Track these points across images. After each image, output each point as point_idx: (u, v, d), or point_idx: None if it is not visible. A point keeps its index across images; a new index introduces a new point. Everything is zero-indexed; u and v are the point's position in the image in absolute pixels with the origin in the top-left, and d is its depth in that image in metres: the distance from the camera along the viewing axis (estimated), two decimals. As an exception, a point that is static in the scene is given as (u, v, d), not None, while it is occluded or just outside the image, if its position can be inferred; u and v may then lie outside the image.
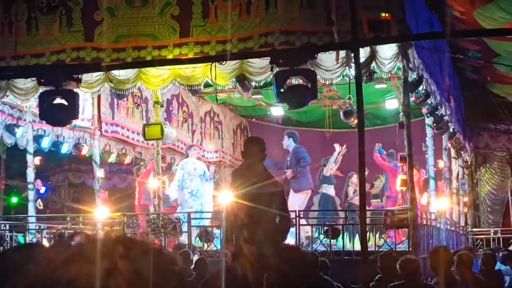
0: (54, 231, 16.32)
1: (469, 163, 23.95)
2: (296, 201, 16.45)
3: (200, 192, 17.54)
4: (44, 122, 14.76)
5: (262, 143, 9.36)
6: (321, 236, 14.36)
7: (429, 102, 15.14)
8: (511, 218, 25.15)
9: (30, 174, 17.05)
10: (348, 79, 14.90)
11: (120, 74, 14.26)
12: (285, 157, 17.88)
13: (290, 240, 13.09)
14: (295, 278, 3.87)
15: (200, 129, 22.43)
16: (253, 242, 7.94)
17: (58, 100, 12.85)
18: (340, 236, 14.21)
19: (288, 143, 17.07)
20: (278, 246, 8.83)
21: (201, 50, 13.28)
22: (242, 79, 13.72)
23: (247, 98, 18.90)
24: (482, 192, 25.80)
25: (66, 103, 12.80)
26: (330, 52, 12.88)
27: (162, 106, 17.79)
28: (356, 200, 18.03)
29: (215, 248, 14.45)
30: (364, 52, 12.56)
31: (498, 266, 13.71)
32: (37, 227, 16.62)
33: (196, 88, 14.51)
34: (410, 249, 12.61)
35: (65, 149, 18.86)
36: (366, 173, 10.90)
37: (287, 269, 3.86)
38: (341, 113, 18.25)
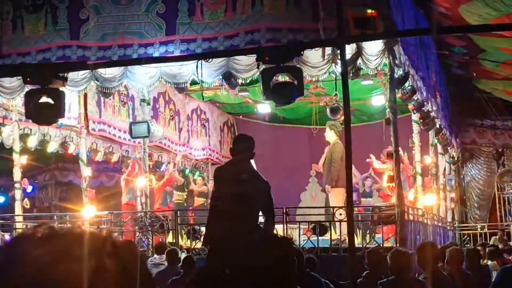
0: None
1: (455, 158, 24.01)
2: (335, 197, 15.97)
3: None
4: (30, 121, 14.71)
5: (251, 141, 9.32)
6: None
7: (416, 98, 15.19)
8: (498, 214, 25.27)
9: (17, 173, 16.99)
10: (334, 76, 14.91)
11: (106, 72, 14.23)
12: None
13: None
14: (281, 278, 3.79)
15: (187, 126, 22.42)
16: (232, 239, 7.87)
17: (44, 99, 12.80)
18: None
19: (330, 135, 16.47)
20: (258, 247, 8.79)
21: (187, 47, 13.27)
22: (228, 77, 13.73)
23: (233, 95, 18.90)
24: (468, 188, 25.89)
25: (52, 102, 12.74)
26: (316, 49, 12.89)
27: (148, 104, 17.78)
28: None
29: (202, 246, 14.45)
30: (350, 49, 12.57)
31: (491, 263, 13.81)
32: (24, 226, 16.58)
33: (183, 85, 14.49)
34: (397, 245, 12.65)
35: (51, 147, 18.80)
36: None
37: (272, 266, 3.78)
38: (327, 109, 18.26)
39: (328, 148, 16.31)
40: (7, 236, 15.92)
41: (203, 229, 15.06)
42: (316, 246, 13.84)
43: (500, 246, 17.42)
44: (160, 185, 20.23)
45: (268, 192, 9.02)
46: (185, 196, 20.55)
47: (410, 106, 15.82)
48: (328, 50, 12.95)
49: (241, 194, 8.57)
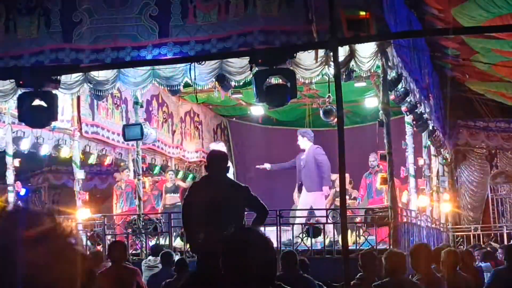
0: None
1: (448, 160, 24.04)
2: (310, 201, 16.10)
3: None
4: (23, 123, 14.68)
5: (225, 159, 9.30)
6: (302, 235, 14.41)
7: (409, 100, 15.19)
8: (491, 215, 25.31)
9: (10, 176, 16.94)
10: (327, 78, 14.91)
11: (99, 75, 14.22)
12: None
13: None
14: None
15: (180, 129, 22.39)
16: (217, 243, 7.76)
17: (37, 102, 12.79)
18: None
19: (304, 143, 16.79)
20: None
21: (180, 50, 13.26)
22: (221, 79, 13.73)
23: (225, 97, 18.88)
24: (462, 189, 25.93)
25: (45, 105, 12.75)
26: (309, 51, 12.90)
27: (141, 106, 17.75)
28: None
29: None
30: (343, 51, 12.57)
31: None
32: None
33: (176, 88, 14.49)
34: (391, 246, 12.65)
35: (44, 150, 18.76)
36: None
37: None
38: (321, 111, 18.26)
39: (306, 153, 16.46)
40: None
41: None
42: (310, 248, 13.87)
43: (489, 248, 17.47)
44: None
45: (249, 193, 9.00)
46: (178, 199, 20.36)
47: (403, 108, 15.82)
48: (321, 52, 12.96)
49: (221, 201, 8.53)
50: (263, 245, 3.71)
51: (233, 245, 3.72)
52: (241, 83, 14.26)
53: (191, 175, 23.42)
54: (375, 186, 18.22)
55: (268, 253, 3.72)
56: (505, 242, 21.06)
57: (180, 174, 22.87)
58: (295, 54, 12.55)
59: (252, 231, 4.10)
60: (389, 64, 13.08)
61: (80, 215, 16.31)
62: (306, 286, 9.28)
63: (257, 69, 12.29)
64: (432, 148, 20.99)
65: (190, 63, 13.37)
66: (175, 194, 20.25)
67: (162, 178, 21.30)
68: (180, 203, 20.02)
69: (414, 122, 16.94)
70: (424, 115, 16.95)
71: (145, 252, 15.04)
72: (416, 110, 16.07)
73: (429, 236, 17.40)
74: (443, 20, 16.65)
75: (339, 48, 11.62)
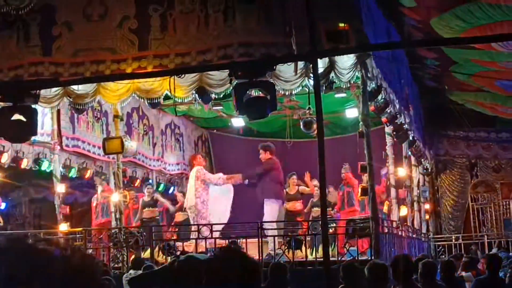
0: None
1: (429, 170, 24.13)
2: (269, 211, 16.14)
3: (211, 201, 17.27)
4: (2, 138, 14.61)
5: None
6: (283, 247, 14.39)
7: (388, 111, 15.24)
8: (472, 224, 25.42)
9: (-10, 190, 16.86)
10: (307, 89, 14.93)
11: (79, 88, 14.18)
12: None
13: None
14: None
15: (161, 141, 22.35)
16: None
17: (16, 116, 12.73)
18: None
19: (264, 156, 16.96)
20: None
21: (160, 63, 13.24)
22: (202, 91, 13.72)
23: (207, 110, 18.87)
24: (443, 199, 26.01)
25: (24, 120, 12.68)
26: (289, 63, 12.91)
27: (122, 120, 17.68)
28: (314, 212, 18.08)
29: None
30: (322, 63, 12.61)
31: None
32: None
33: (156, 101, 14.46)
34: (373, 257, 12.65)
35: (25, 164, 18.66)
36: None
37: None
38: (301, 123, 18.28)
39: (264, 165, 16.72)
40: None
41: (178, 244, 15.12)
42: (291, 260, 13.85)
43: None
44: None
45: None
46: (157, 213, 20.11)
47: (383, 119, 15.87)
48: (301, 64, 12.98)
49: None
50: (245, 262, 3.73)
51: (215, 264, 3.74)
52: (221, 95, 14.26)
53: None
54: (346, 198, 18.23)
55: (250, 269, 3.74)
56: (486, 251, 21.14)
57: (162, 187, 22.86)
58: (274, 67, 12.57)
59: (234, 252, 4.12)
60: (369, 75, 13.12)
61: (61, 229, 16.23)
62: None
63: (236, 82, 12.30)
64: (413, 158, 21.06)
65: (169, 76, 13.35)
66: (153, 208, 20.07)
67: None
68: (158, 217, 19.94)
69: (394, 133, 17.00)
70: (404, 126, 17.00)
71: (126, 265, 14.96)
72: (396, 121, 16.12)
73: (411, 246, 17.43)
74: (421, 30, 16.73)
75: (319, 60, 11.65)
